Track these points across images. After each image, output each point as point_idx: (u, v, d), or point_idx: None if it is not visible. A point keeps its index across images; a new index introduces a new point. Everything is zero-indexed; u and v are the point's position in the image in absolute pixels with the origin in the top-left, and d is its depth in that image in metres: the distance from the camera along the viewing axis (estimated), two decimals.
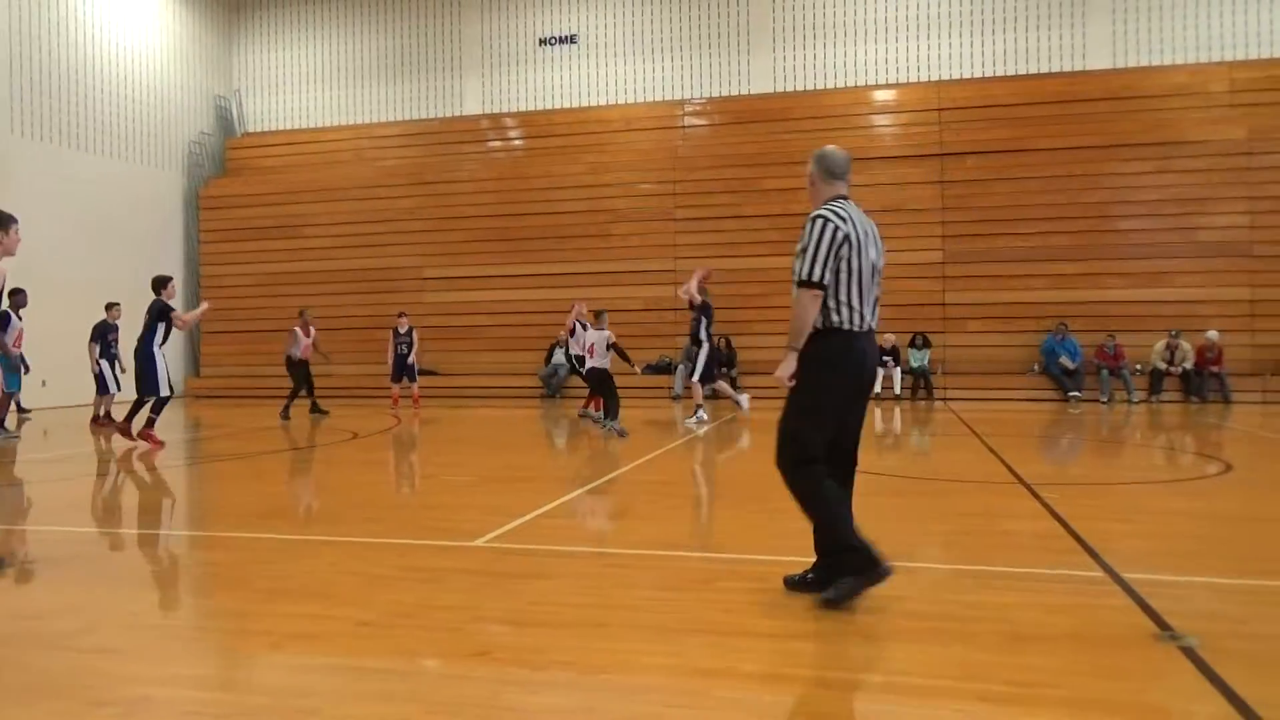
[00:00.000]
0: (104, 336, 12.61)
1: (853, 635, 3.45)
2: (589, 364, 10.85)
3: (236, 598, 4.13)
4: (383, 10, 20.89)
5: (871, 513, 5.69)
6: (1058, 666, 3.06)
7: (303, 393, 13.03)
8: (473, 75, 20.54)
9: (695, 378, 11.92)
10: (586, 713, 2.79)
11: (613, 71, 19.66)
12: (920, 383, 16.31)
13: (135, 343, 9.77)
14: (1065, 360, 15.78)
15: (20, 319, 11.18)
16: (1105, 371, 15.73)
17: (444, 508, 6.34)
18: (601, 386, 10.61)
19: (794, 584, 3.88)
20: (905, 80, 18.41)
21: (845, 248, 3.68)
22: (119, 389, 12.49)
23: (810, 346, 3.74)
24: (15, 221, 4.99)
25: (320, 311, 18.68)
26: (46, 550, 5.11)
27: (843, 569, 3.67)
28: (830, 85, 18.61)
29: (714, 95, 19.23)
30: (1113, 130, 16.84)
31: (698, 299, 11.61)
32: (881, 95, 18.60)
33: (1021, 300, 16.74)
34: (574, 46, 19.91)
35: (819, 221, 3.71)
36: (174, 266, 19.39)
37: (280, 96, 21.59)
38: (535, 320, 17.96)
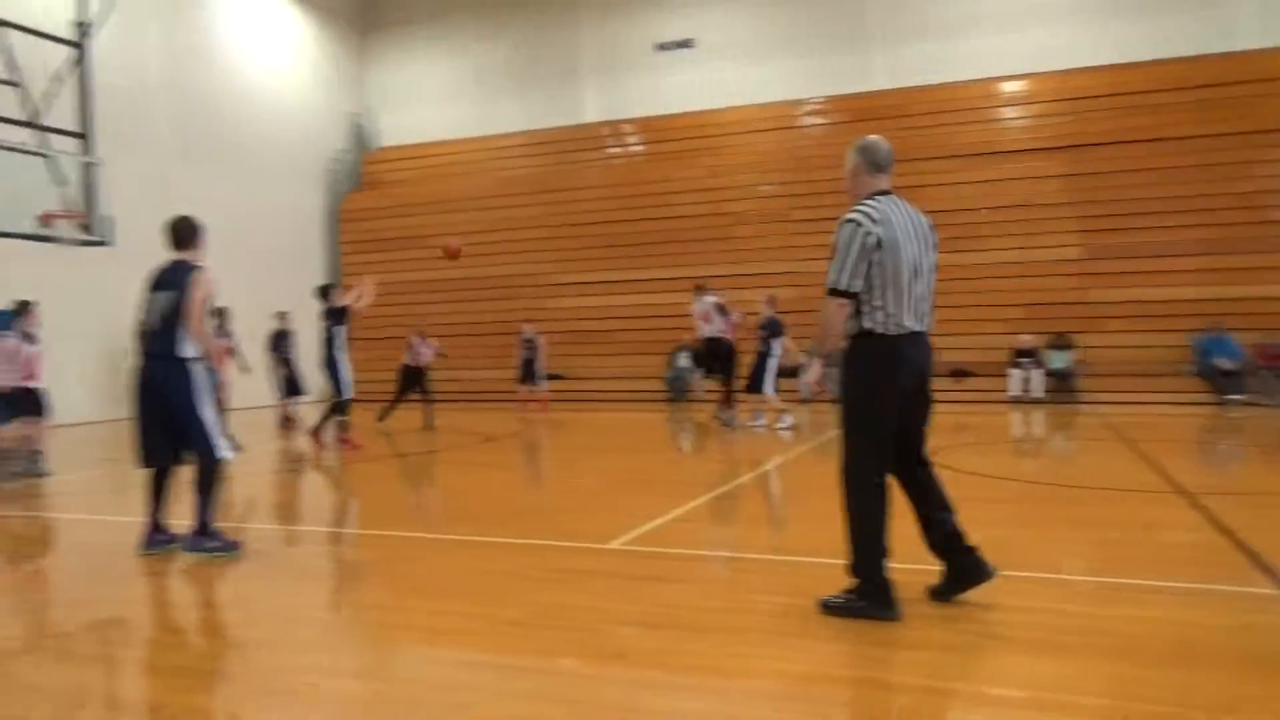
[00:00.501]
0: (280, 342, 13.54)
1: (1000, 647, 3.36)
2: (707, 332, 11.50)
3: (387, 593, 4.35)
4: (504, 24, 21.46)
5: (1013, 521, 5.51)
6: (1236, 689, 2.89)
7: (410, 398, 13.35)
8: (592, 83, 20.86)
9: (767, 389, 11.66)
10: (724, 719, 2.82)
11: (729, 74, 19.60)
12: (1062, 385, 15.57)
13: (307, 350, 10.52)
14: (1223, 361, 14.76)
15: (33, 341, 9.57)
16: (1269, 373, 14.64)
17: (577, 510, 6.48)
18: (723, 359, 11.06)
19: (935, 593, 3.81)
20: (1034, 70, 17.65)
21: (878, 251, 3.53)
22: (301, 392, 13.48)
23: (848, 354, 3.66)
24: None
25: (448, 318, 19.39)
26: None
27: (866, 592, 3.61)
28: (953, 79, 18.02)
29: (832, 94, 18.93)
30: (1264, 115, 15.69)
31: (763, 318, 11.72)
32: (1009, 87, 17.87)
33: (1168, 298, 15.76)
34: (690, 51, 19.97)
35: (849, 226, 3.57)
36: (318, 277, 20.39)
37: (410, 112, 22.46)
38: (658, 324, 18.08)
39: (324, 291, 10.71)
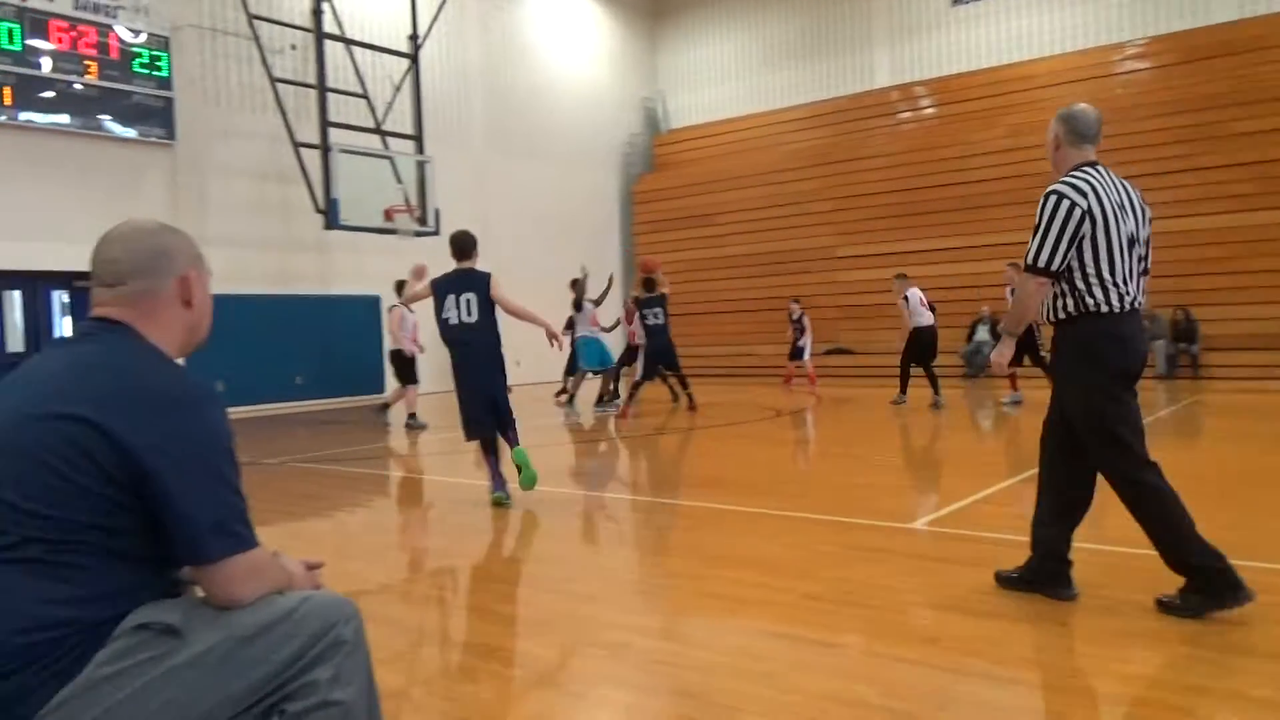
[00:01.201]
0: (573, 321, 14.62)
1: None
2: (920, 322, 11.76)
3: (691, 560, 4.51)
4: None
5: None
6: None
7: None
8: (882, 47, 20.08)
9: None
10: (1059, 718, 2.63)
11: (1034, 22, 18.01)
12: None
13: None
14: None
15: (413, 312, 11.73)
16: None
17: (874, 487, 6.33)
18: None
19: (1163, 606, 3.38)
20: None
21: (1086, 224, 3.29)
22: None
23: (1065, 338, 3.43)
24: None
25: (733, 294, 19.66)
26: (535, 506, 5.98)
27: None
28: None
29: (1158, 33, 16.79)
30: None
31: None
32: None
33: None
34: (990, 2, 18.59)
35: (1052, 199, 3.33)
36: (613, 258, 21.53)
37: (698, 92, 22.92)
38: (954, 296, 17.13)
39: (648, 284, 11.63)
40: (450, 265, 6.20)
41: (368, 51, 15.28)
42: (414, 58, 15.45)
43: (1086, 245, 3.32)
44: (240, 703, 1.57)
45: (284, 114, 13.58)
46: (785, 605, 3.69)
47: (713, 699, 2.78)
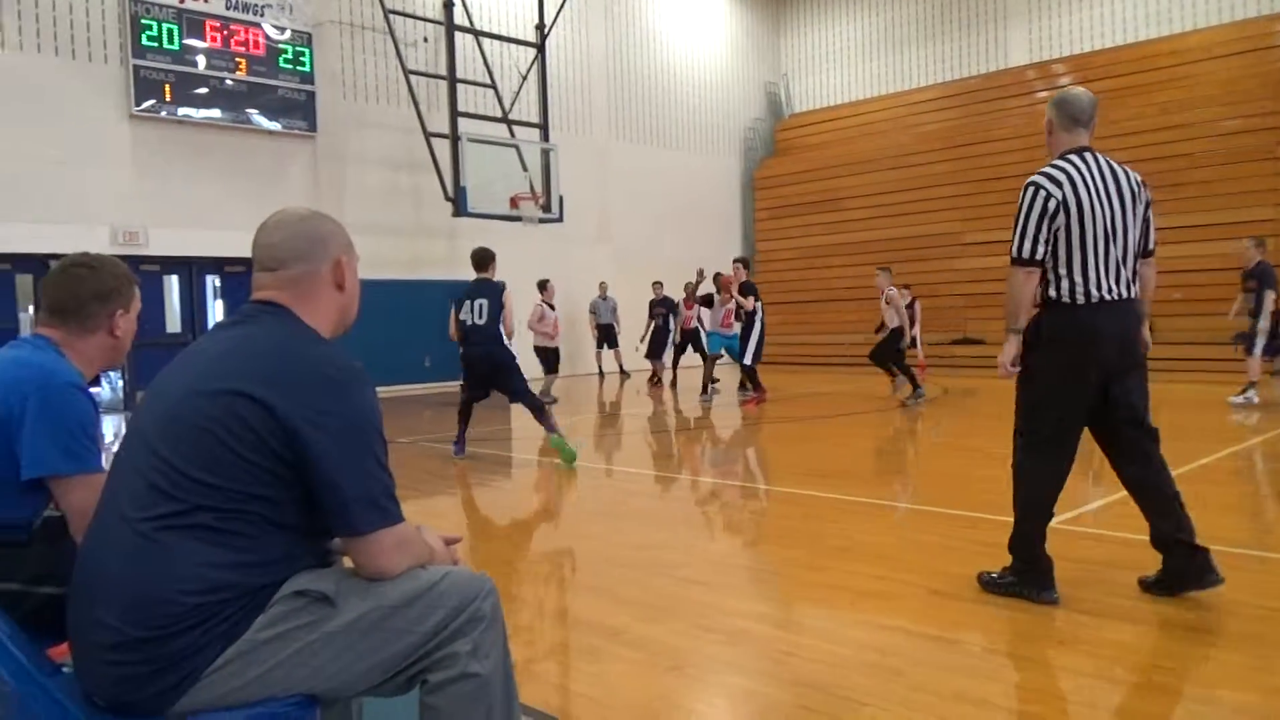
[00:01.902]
0: (658, 307, 14.82)
1: None
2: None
3: (809, 551, 4.47)
4: None
5: None
6: None
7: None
8: (1018, 23, 19.20)
9: (1256, 352, 9.83)
10: None
11: None
12: None
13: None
14: None
15: (554, 309, 13.19)
16: None
17: (999, 481, 6.10)
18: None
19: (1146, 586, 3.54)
20: None
21: (1061, 215, 3.33)
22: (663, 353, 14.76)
23: (1035, 324, 3.49)
24: None
25: (854, 281, 19.25)
26: (652, 491, 6.06)
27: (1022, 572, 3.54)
28: None
29: None
30: None
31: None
32: None
33: None
34: None
35: (1029, 190, 3.39)
36: (734, 244, 21.43)
37: (822, 75, 22.49)
38: None
39: (743, 275, 11.61)
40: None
41: (495, 42, 15.64)
42: (540, 47, 15.71)
43: (1061, 236, 3.36)
44: (386, 670, 1.66)
45: (416, 105, 14.06)
46: (910, 600, 3.62)
47: (836, 691, 2.75)
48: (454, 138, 13.78)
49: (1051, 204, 3.35)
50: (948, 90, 19.93)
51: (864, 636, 3.27)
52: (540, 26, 15.78)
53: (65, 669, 1.70)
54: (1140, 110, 16.72)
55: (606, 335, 16.24)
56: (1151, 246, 3.55)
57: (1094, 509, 5.06)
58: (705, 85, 21.31)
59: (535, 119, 15.50)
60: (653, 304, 15.25)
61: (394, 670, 1.67)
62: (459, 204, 13.68)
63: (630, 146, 19.38)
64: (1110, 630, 3.20)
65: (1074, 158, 3.44)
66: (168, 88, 12.50)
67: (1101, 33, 17.96)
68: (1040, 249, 3.38)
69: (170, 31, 12.51)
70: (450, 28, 14.39)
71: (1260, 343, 9.79)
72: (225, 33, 13.02)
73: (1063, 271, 3.38)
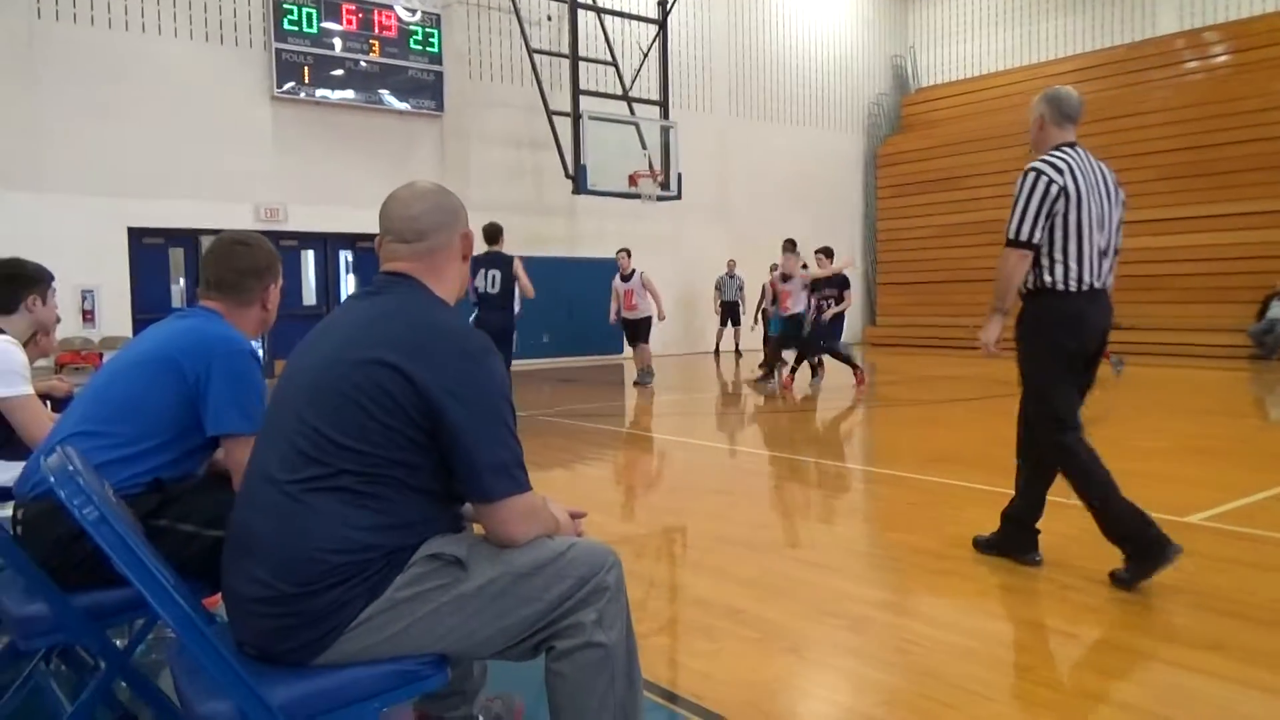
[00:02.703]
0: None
1: None
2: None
3: (930, 538, 4.34)
4: None
5: None
6: None
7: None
8: None
9: None
10: None
11: None
12: None
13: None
14: None
15: (628, 280, 11.99)
16: None
17: (1142, 475, 5.75)
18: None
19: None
20: None
21: (1061, 202, 3.43)
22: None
23: (1025, 310, 3.63)
24: None
25: (982, 262, 18.48)
26: (765, 472, 6.00)
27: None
28: None
29: None
30: None
31: None
32: None
33: None
34: None
35: (1031, 175, 3.48)
36: (854, 222, 20.97)
37: (952, 47, 21.63)
38: (1243, 268, 15.22)
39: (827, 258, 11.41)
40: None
41: (617, 19, 15.67)
42: (662, 24, 15.66)
43: (1058, 223, 3.45)
44: (513, 635, 1.70)
45: (539, 83, 14.25)
46: (1039, 594, 3.48)
47: (960, 684, 2.67)
48: (575, 116, 13.91)
49: (1054, 189, 3.44)
50: (1088, 61, 18.86)
51: (992, 629, 3.16)
52: (662, 3, 15.71)
53: (219, 619, 1.81)
54: None
55: (730, 312, 16.15)
56: (1119, 245, 3.65)
57: (1238, 505, 4.74)
58: (828, 60, 20.82)
59: (655, 96, 15.48)
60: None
61: (521, 636, 1.71)
62: (579, 181, 13.82)
63: (750, 123, 19.14)
64: (1273, 637, 2.99)
65: (1068, 150, 3.55)
66: (306, 70, 13.06)
67: None
68: (1038, 233, 3.47)
69: (309, 15, 13.04)
70: (574, 5, 14.49)
71: None
72: (361, 15, 13.49)
73: (1058, 257, 3.48)
